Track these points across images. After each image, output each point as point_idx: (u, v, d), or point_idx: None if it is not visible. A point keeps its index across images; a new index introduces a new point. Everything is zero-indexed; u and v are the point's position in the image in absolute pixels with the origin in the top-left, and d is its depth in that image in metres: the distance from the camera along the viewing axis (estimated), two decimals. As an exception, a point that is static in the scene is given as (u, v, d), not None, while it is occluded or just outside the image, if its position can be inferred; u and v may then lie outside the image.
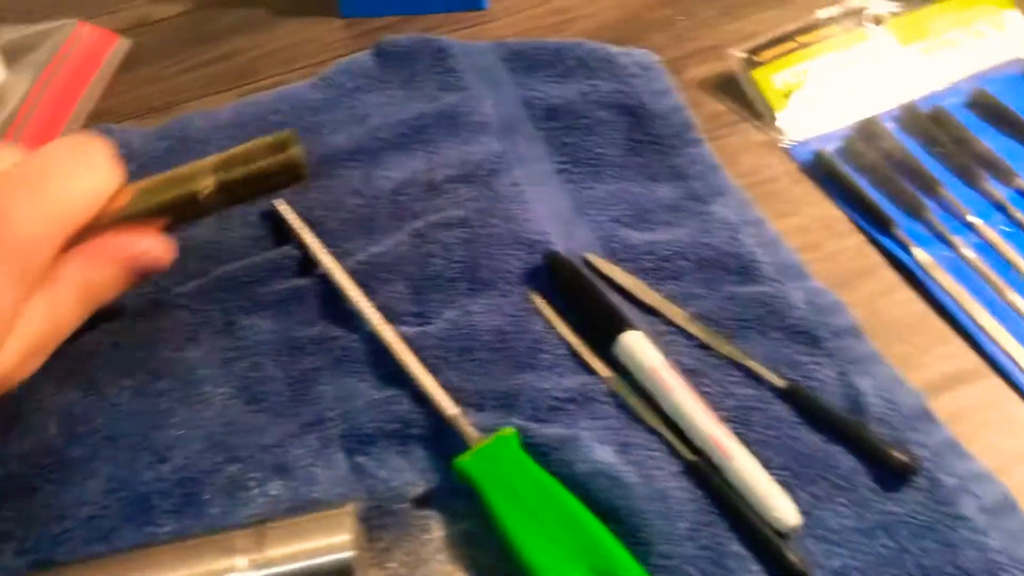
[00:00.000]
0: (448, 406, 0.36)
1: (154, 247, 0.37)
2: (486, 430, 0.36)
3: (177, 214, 0.37)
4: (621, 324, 0.38)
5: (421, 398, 0.37)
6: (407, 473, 0.36)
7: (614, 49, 0.50)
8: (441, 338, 0.39)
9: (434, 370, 0.38)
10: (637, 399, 0.36)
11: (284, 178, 0.38)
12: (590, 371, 0.38)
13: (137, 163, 0.47)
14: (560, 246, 0.42)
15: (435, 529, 0.34)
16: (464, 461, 0.34)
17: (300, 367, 0.39)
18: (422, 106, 0.50)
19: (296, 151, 0.38)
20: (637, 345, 0.37)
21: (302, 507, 0.35)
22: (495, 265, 0.42)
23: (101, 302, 0.36)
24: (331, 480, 0.36)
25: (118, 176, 0.36)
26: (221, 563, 0.31)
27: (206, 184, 0.37)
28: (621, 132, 0.47)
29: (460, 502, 0.35)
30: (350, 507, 0.32)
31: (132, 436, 0.37)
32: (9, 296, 0.31)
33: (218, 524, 0.35)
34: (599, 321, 0.39)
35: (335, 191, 0.46)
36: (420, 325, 0.40)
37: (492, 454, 0.34)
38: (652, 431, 0.36)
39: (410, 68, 0.52)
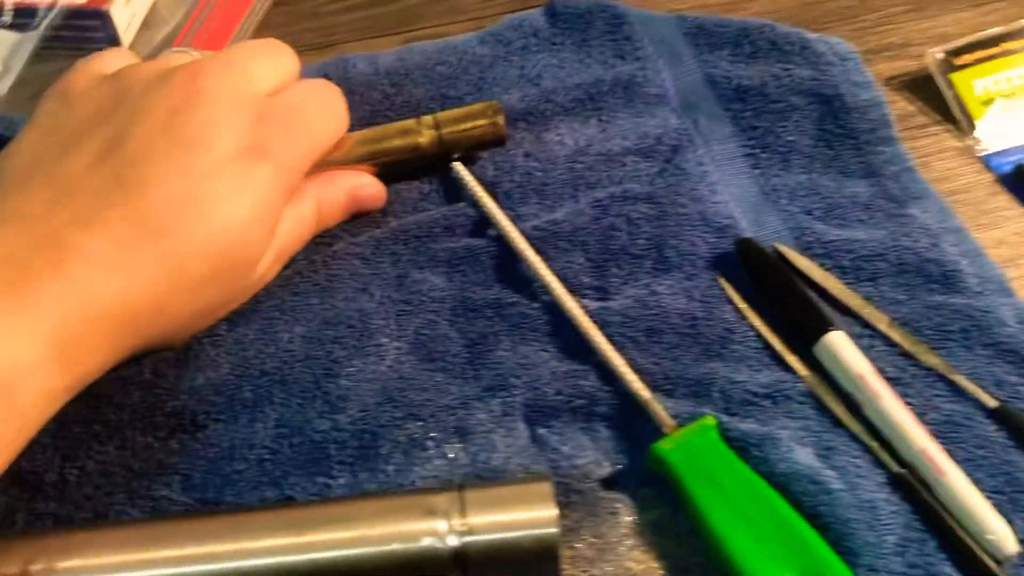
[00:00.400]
0: (641, 388, 0.34)
1: (373, 185, 0.41)
2: (676, 418, 0.34)
3: (394, 163, 0.42)
4: (824, 323, 0.36)
5: (607, 375, 0.36)
6: (590, 452, 0.34)
7: (810, 35, 0.48)
8: (626, 316, 0.37)
9: (618, 348, 0.36)
10: (838, 403, 0.35)
11: (489, 142, 0.43)
12: (785, 367, 0.36)
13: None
14: (748, 233, 0.40)
15: (623, 513, 0.33)
16: (662, 448, 0.32)
17: (476, 329, 0.38)
18: (599, 71, 0.48)
19: (502, 120, 0.43)
20: (842, 347, 0.35)
21: (480, 474, 0.34)
22: (682, 246, 0.40)
23: (330, 223, 0.41)
24: (511, 449, 0.34)
25: (347, 120, 0.41)
26: (420, 524, 0.29)
27: (426, 137, 0.42)
28: (813, 122, 0.45)
29: (649, 490, 0.33)
30: (550, 481, 0.31)
31: (304, 382, 0.36)
32: (279, 205, 0.36)
33: (393, 482, 0.34)
34: (799, 317, 0.37)
35: (507, 152, 0.44)
36: (600, 299, 0.39)
37: (692, 443, 0.32)
38: (854, 438, 0.34)
39: (583, 32, 0.50)
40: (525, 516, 0.30)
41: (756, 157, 0.44)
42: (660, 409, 0.34)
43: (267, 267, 0.37)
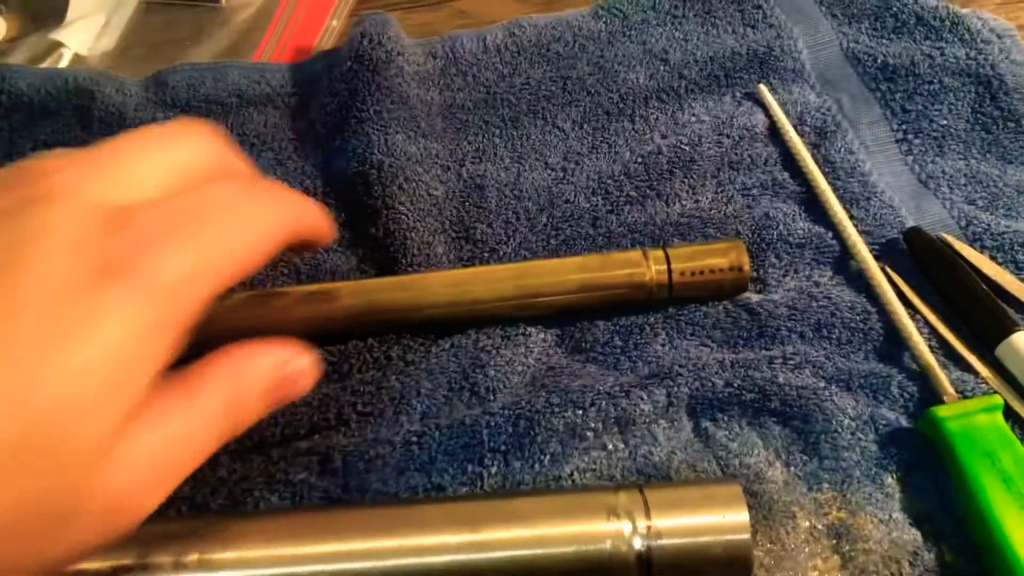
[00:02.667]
0: (926, 352, 0.33)
1: (304, 361, 0.27)
2: (857, 416, 0.32)
3: (607, 298, 0.35)
4: (1009, 323, 0.33)
5: (778, 368, 0.33)
6: (761, 450, 0.32)
7: (962, 10, 0.45)
8: (793, 308, 0.35)
9: (783, 341, 0.34)
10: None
11: (727, 291, 0.36)
12: (963, 367, 0.34)
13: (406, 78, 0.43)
14: (910, 223, 0.38)
15: (800, 518, 0.31)
16: (940, 413, 0.31)
17: (628, 322, 0.35)
18: (731, 42, 0.45)
19: (747, 265, 0.35)
20: (1031, 348, 0.33)
21: (641, 470, 0.31)
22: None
23: (245, 425, 0.26)
24: (673, 443, 0.32)
25: (290, 227, 0.27)
26: (603, 526, 0.27)
27: (652, 274, 0.35)
28: (968, 104, 0.42)
29: (825, 494, 0.31)
30: (739, 483, 0.29)
31: (449, 373, 0.34)
32: (146, 355, 0.22)
33: (548, 472, 0.31)
34: (979, 315, 0.34)
35: (641, 135, 0.42)
36: (760, 291, 0.36)
37: (971, 415, 0.31)
38: (1048, 446, 0.31)
39: (705, 1, 0.47)
40: (714, 520, 0.27)
41: (909, 142, 0.41)
42: (942, 376, 0.32)
43: (131, 483, 0.22)
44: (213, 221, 0.24)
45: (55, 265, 0.21)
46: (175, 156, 0.26)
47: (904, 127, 0.42)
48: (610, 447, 0.32)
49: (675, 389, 0.33)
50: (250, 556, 0.27)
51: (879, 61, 0.44)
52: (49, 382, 0.20)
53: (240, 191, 0.26)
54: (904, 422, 0.32)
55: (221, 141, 0.27)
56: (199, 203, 0.24)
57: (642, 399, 0.32)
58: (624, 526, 0.27)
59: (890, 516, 0.30)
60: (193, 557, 0.27)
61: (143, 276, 0.22)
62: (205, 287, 0.23)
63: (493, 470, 0.31)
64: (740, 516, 0.27)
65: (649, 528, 0.27)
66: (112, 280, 0.21)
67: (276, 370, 0.26)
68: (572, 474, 0.31)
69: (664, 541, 0.27)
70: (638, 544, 0.27)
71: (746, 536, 0.27)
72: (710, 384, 0.33)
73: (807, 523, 0.31)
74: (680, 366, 0.33)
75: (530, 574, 0.27)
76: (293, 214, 0.27)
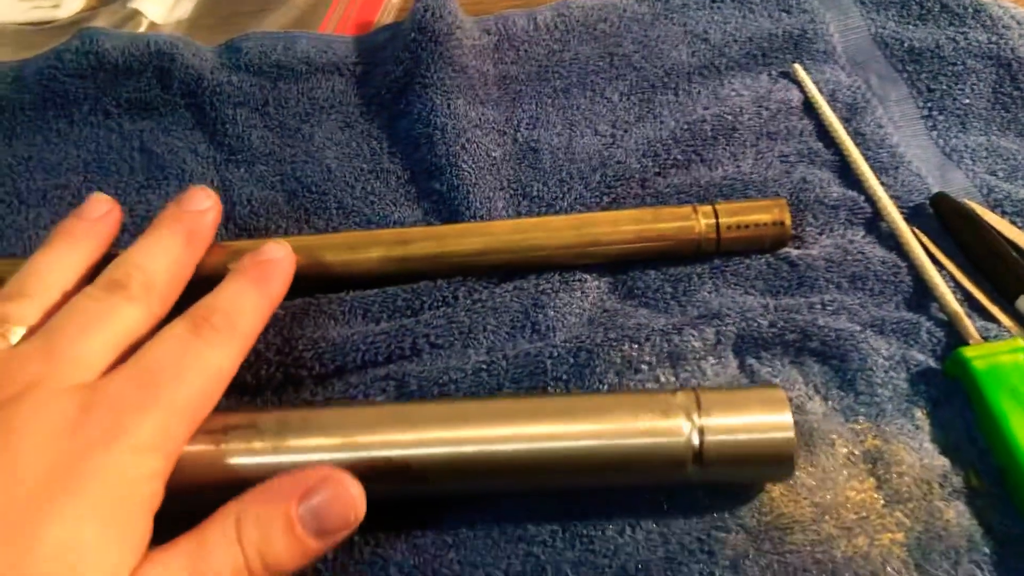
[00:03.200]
0: (952, 300, 0.36)
1: (346, 489, 0.27)
2: (890, 357, 0.35)
3: (660, 249, 0.38)
4: (1029, 277, 0.36)
5: (814, 311, 0.36)
6: (801, 385, 0.35)
7: (983, -2, 0.48)
8: (830, 260, 0.38)
9: (821, 290, 0.37)
10: (1046, 355, 0.35)
11: (770, 244, 0.39)
12: (989, 318, 0.36)
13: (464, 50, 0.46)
14: (936, 190, 0.41)
15: (839, 445, 0.33)
16: (967, 353, 0.33)
17: (678, 269, 0.38)
18: (767, 25, 0.48)
19: (789, 220, 0.38)
20: (1050, 299, 0.36)
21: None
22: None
23: (289, 567, 0.26)
24: (721, 378, 0.35)
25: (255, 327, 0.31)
26: (661, 422, 0.30)
27: (702, 226, 0.38)
28: (989, 85, 0.45)
29: (861, 425, 0.34)
30: (782, 389, 0.31)
31: (512, 311, 0.37)
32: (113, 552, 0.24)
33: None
34: (1001, 271, 0.37)
35: (685, 107, 0.45)
36: (798, 247, 0.39)
37: (996, 355, 0.33)
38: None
39: (742, -13, 0.51)
40: (763, 420, 0.30)
41: (933, 119, 0.44)
42: (968, 322, 0.35)
43: None
44: (168, 381, 0.26)
45: (25, 470, 0.23)
46: (116, 328, 0.28)
47: (929, 105, 0.45)
48: (663, 380, 0.35)
49: (723, 329, 0.36)
50: (317, 443, 0.29)
51: (905, 45, 0.47)
52: (51, 541, 0.22)
53: (181, 340, 0.28)
54: (932, 363, 0.35)
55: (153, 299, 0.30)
56: (153, 366, 0.27)
57: (693, 336, 0.35)
58: (683, 423, 0.30)
59: (921, 445, 0.33)
60: (297, 416, 0.30)
61: (120, 443, 0.25)
62: (179, 433, 0.26)
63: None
64: (784, 417, 0.30)
65: (702, 425, 0.30)
66: (65, 492, 0.23)
67: (292, 504, 0.26)
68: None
69: (717, 437, 0.30)
70: (694, 438, 0.30)
71: (790, 434, 0.30)
72: (755, 324, 0.36)
73: (845, 449, 0.33)
74: (727, 308, 0.36)
75: (592, 464, 0.30)
76: (240, 336, 0.29)
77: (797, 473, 0.33)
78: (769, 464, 0.30)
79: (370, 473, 0.28)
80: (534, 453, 0.29)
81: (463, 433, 0.30)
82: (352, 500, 0.26)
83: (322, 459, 0.28)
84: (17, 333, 0.28)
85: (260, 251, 0.32)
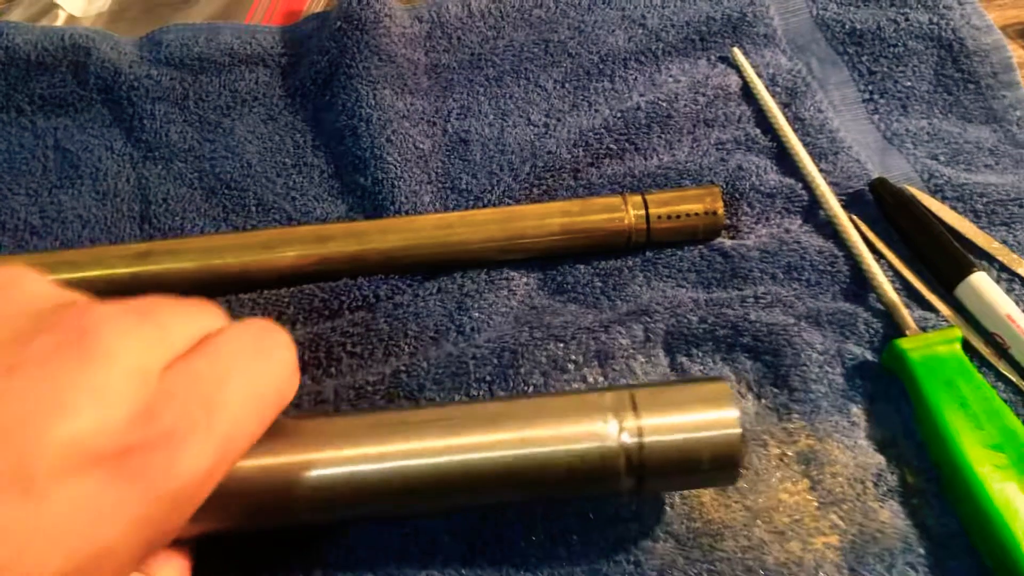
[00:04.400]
0: (889, 291, 0.35)
1: None
2: (825, 351, 0.34)
3: (589, 242, 0.37)
4: (967, 264, 0.35)
5: (749, 306, 0.35)
6: (733, 384, 0.34)
7: (926, -21, 0.47)
8: (764, 251, 0.37)
9: (755, 282, 0.36)
10: (983, 344, 0.34)
11: (701, 234, 0.37)
12: (926, 307, 0.35)
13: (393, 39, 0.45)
14: (875, 176, 0.40)
15: (772, 445, 0.32)
16: (903, 345, 0.33)
17: (608, 263, 0.37)
18: (706, 8, 0.47)
19: (722, 210, 0.37)
20: (988, 288, 0.35)
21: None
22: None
23: None
24: (651, 376, 0.34)
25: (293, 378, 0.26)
26: (591, 425, 0.26)
27: (631, 218, 0.36)
28: (931, 66, 0.44)
29: (794, 424, 0.33)
30: (725, 381, 0.28)
31: (436, 315, 0.35)
32: (131, 557, 0.21)
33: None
34: (939, 258, 0.36)
35: (621, 94, 0.43)
36: (732, 237, 0.38)
37: (932, 346, 0.33)
38: (1004, 379, 0.33)
39: (683, -29, 0.49)
40: (704, 417, 0.27)
41: (875, 102, 0.43)
42: (905, 313, 0.34)
43: None
44: (232, 409, 0.23)
45: (73, 445, 0.19)
46: (201, 321, 0.25)
47: (870, 88, 0.44)
48: (590, 379, 0.34)
49: (652, 325, 0.34)
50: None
51: (847, 26, 0.46)
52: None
53: (246, 347, 0.24)
54: (869, 356, 0.34)
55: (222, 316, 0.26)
56: (218, 368, 0.23)
57: (620, 334, 0.34)
58: (610, 426, 0.26)
59: (856, 442, 0.32)
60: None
61: (161, 484, 0.21)
62: (214, 480, 0.22)
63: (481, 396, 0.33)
64: (730, 413, 0.27)
65: (636, 427, 0.26)
66: (125, 479, 0.20)
67: None
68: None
69: (653, 438, 0.26)
70: (628, 441, 0.26)
71: (736, 431, 0.27)
72: (685, 320, 0.34)
73: (778, 450, 0.32)
74: (657, 303, 0.35)
75: (522, 475, 0.26)
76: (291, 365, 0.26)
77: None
78: (713, 467, 0.27)
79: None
80: (447, 468, 0.26)
81: (360, 451, 0.26)
82: None
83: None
84: None
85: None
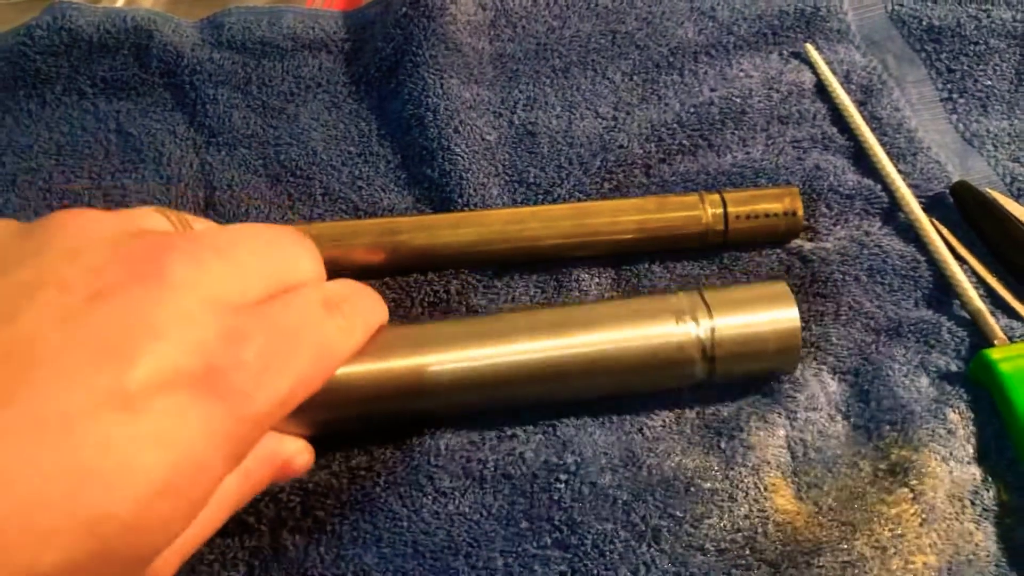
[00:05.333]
0: (974, 298, 0.34)
1: (301, 455, 0.28)
2: (907, 362, 0.33)
3: (666, 239, 0.37)
4: (1056, 271, 0.34)
5: (824, 321, 0.34)
6: (823, 404, 0.33)
7: (1009, -26, 0.45)
8: (845, 255, 0.36)
9: (839, 286, 0.35)
10: (1073, 354, 0.33)
11: (781, 235, 0.37)
12: (1012, 315, 0.34)
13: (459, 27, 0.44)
14: (956, 178, 0.38)
15: (864, 465, 0.31)
16: (992, 355, 0.32)
17: (684, 266, 0.36)
18: (780, 2, 0.46)
19: (800, 211, 0.36)
20: (1079, 296, 0.33)
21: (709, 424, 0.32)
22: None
23: (239, 507, 0.26)
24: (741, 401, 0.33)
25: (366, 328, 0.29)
26: (671, 326, 0.30)
27: (708, 216, 0.36)
28: (1012, 65, 0.43)
29: (886, 438, 0.32)
30: (784, 282, 0.31)
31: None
32: (215, 475, 0.22)
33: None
34: (1025, 264, 0.35)
35: (691, 89, 0.42)
36: (810, 239, 0.37)
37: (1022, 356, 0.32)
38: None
39: (752, -37, 0.48)
40: (768, 315, 0.30)
41: (953, 102, 0.42)
42: (992, 321, 0.33)
43: (162, 566, 0.23)
44: (310, 339, 0.25)
45: (163, 361, 0.21)
46: (290, 262, 0.26)
47: (949, 86, 0.42)
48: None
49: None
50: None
51: (924, 23, 0.44)
52: (125, 494, 0.20)
53: (316, 313, 0.26)
54: (955, 367, 0.33)
55: (317, 260, 0.28)
56: (295, 318, 0.25)
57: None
58: (689, 325, 0.30)
59: (951, 452, 0.31)
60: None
61: (239, 400, 0.22)
62: (289, 407, 0.24)
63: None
64: (790, 311, 0.31)
65: (712, 328, 0.30)
66: (209, 394, 0.21)
67: (284, 458, 0.27)
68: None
69: (725, 333, 0.30)
70: (704, 335, 0.30)
71: (797, 324, 0.30)
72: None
73: (871, 467, 0.31)
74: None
75: (613, 369, 0.30)
76: (360, 333, 0.28)
77: (821, 498, 0.30)
78: (777, 354, 0.31)
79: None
80: (549, 362, 0.30)
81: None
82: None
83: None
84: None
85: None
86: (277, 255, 0.26)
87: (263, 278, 0.25)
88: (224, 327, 0.22)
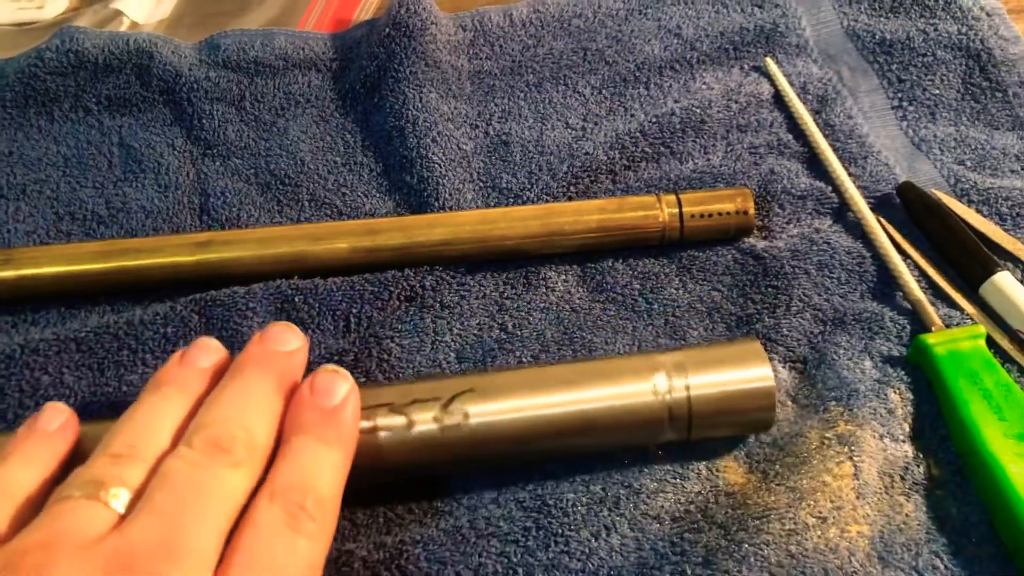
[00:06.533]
0: (915, 289, 0.36)
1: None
2: (851, 347, 0.35)
3: (624, 238, 0.39)
4: (992, 264, 0.37)
5: (776, 314, 0.36)
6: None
7: (955, -10, 0.48)
8: (795, 251, 0.38)
9: (791, 279, 0.37)
10: (1007, 340, 0.35)
11: (733, 233, 0.39)
12: (951, 305, 0.37)
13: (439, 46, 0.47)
14: (903, 180, 0.41)
15: (813, 434, 0.34)
16: (928, 340, 0.34)
17: (645, 264, 0.39)
18: (739, 20, 0.49)
19: (752, 210, 0.39)
20: (1012, 287, 0.36)
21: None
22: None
23: None
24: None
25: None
26: (643, 383, 0.31)
27: (665, 215, 0.38)
28: (959, 75, 0.45)
29: (831, 411, 0.34)
30: (756, 340, 0.33)
31: (480, 315, 0.37)
32: None
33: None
34: (964, 258, 0.37)
35: (656, 100, 0.45)
36: (765, 238, 0.39)
37: (956, 342, 0.34)
38: (1025, 373, 0.35)
39: (717, -18, 0.51)
40: (742, 373, 0.31)
41: (903, 109, 0.45)
42: (931, 310, 0.36)
43: None
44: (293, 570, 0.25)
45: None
46: (226, 504, 0.26)
47: (900, 95, 0.45)
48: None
49: (689, 336, 0.36)
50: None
51: (877, 37, 0.47)
52: None
53: (280, 536, 0.26)
54: (897, 352, 0.35)
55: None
56: (258, 565, 0.25)
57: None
58: (659, 381, 0.31)
59: (888, 431, 0.33)
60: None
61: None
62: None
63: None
64: (763, 368, 0.31)
65: (684, 384, 0.31)
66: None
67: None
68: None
69: (700, 392, 0.31)
70: (679, 395, 0.31)
71: (771, 384, 0.31)
72: (718, 332, 0.36)
73: (817, 435, 0.33)
74: (693, 310, 0.37)
75: (590, 427, 0.31)
76: (332, 520, 0.27)
77: (770, 467, 0.33)
78: (752, 414, 0.32)
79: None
80: (526, 422, 0.30)
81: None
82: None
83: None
84: (120, 505, 0.25)
85: (322, 391, 0.29)
86: (213, 498, 0.26)
87: (214, 539, 0.25)
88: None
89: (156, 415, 0.28)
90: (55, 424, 0.29)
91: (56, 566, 0.22)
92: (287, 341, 0.30)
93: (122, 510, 0.25)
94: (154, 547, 0.24)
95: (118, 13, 0.50)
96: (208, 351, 0.30)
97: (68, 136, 0.45)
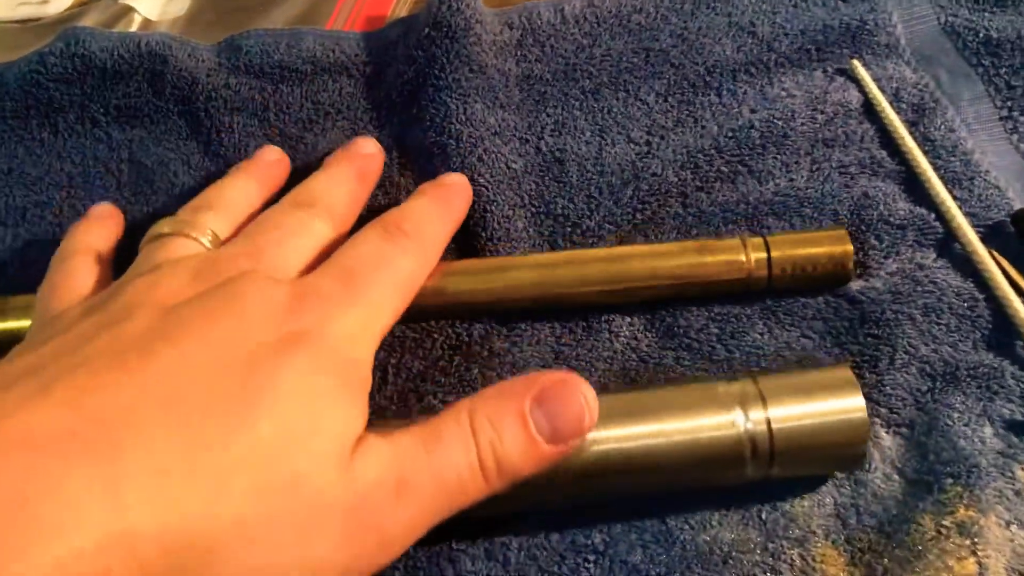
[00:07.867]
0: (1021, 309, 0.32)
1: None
2: (967, 410, 0.30)
3: (706, 284, 0.34)
4: None
5: (879, 368, 0.31)
6: (877, 463, 0.30)
7: (1074, -19, 0.42)
8: (896, 292, 0.33)
9: (891, 331, 0.32)
10: None
11: (828, 281, 0.34)
12: (1082, 359, 0.32)
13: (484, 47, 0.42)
14: (1018, 205, 0.36)
15: (926, 521, 0.29)
16: None
17: (723, 309, 0.34)
18: (821, 15, 0.43)
19: (851, 253, 0.34)
20: None
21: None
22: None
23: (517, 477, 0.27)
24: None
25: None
26: (719, 416, 0.28)
27: (751, 262, 0.34)
28: (1078, 82, 0.40)
29: (948, 492, 0.29)
30: (847, 366, 0.29)
31: (534, 365, 0.33)
32: (339, 402, 0.25)
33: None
34: (1098, 303, 0.32)
35: (729, 109, 0.40)
36: (860, 275, 0.34)
37: None
38: None
39: (794, -27, 0.45)
40: (831, 405, 0.28)
41: (1014, 120, 0.39)
42: None
43: (369, 497, 0.24)
44: (366, 281, 0.28)
45: (251, 331, 0.25)
46: (309, 239, 0.30)
47: (1009, 104, 0.40)
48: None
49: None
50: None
51: (981, 35, 0.41)
52: (262, 425, 0.23)
53: (375, 246, 0.29)
54: (1021, 416, 0.30)
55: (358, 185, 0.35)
56: (352, 266, 0.28)
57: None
58: (737, 416, 0.28)
59: (1015, 518, 0.28)
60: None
61: (322, 341, 0.25)
62: (376, 331, 0.28)
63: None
64: (855, 399, 0.28)
65: (763, 417, 0.28)
66: (296, 346, 0.24)
67: (525, 402, 0.26)
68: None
69: (783, 425, 0.28)
70: (758, 429, 0.27)
71: (863, 415, 0.28)
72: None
73: (933, 522, 0.28)
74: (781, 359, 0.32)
75: (658, 464, 0.27)
76: (429, 245, 0.32)
77: (876, 561, 0.28)
78: (842, 450, 0.28)
79: None
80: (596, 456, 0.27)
81: None
82: (585, 404, 0.26)
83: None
84: (206, 241, 0.30)
85: (442, 178, 0.35)
86: (298, 232, 0.31)
87: (305, 254, 0.30)
88: (287, 295, 0.27)
89: (235, 187, 0.35)
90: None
91: (252, 282, 0.26)
92: (365, 147, 0.36)
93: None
94: (239, 252, 0.29)
95: (129, 9, 0.46)
96: (272, 151, 0.37)
97: (73, 151, 0.40)
